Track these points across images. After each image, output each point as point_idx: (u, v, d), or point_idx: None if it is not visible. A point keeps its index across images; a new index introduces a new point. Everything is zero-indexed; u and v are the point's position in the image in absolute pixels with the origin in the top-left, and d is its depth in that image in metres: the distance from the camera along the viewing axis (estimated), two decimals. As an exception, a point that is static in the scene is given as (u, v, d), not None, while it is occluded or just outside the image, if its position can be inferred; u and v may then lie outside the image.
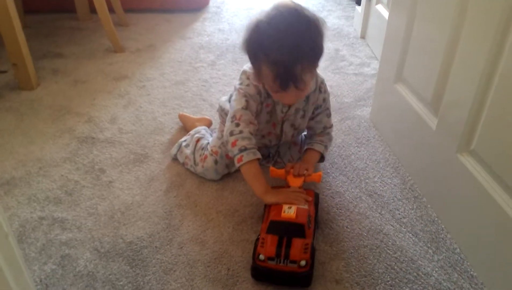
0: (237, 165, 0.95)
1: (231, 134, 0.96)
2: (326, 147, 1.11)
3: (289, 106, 1.04)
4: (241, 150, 0.94)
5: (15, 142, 1.30)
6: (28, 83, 1.58)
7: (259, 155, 0.95)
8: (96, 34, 2.09)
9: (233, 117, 0.97)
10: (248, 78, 1.01)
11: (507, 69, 0.76)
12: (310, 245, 0.85)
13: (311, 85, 1.00)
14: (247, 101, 0.98)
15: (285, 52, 0.86)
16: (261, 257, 0.84)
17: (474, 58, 0.84)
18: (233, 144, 0.95)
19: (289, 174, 1.01)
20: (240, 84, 1.01)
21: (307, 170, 1.01)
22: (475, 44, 0.84)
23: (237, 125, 0.96)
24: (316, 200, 0.99)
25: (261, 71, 0.92)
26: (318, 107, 1.09)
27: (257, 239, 0.87)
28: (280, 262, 0.83)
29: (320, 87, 1.06)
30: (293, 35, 0.86)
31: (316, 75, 1.04)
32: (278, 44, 0.86)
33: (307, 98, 1.05)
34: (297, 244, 0.84)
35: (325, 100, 1.09)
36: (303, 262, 0.82)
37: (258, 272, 0.85)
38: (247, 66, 1.03)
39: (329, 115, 1.12)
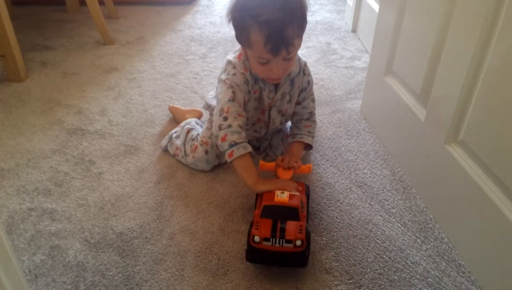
0: (228, 160, 0.94)
1: (220, 128, 0.95)
2: (313, 137, 1.12)
3: (276, 91, 1.04)
4: (231, 145, 0.93)
5: (3, 134, 1.29)
6: (17, 75, 1.56)
7: (250, 149, 0.95)
8: (85, 26, 2.07)
9: (221, 110, 0.96)
10: (234, 67, 1.00)
11: (494, 62, 0.77)
12: (304, 227, 0.84)
13: (295, 62, 1.00)
14: (233, 92, 0.97)
15: (276, 10, 0.86)
16: (256, 238, 0.83)
17: (462, 51, 0.85)
18: (223, 139, 0.94)
19: (278, 167, 1.01)
20: (226, 74, 1.00)
21: (296, 162, 1.00)
22: (463, 37, 0.85)
23: (225, 119, 0.95)
24: (307, 191, 0.99)
25: (250, 39, 0.91)
26: (303, 90, 1.08)
27: (251, 225, 0.86)
28: (275, 243, 0.82)
29: (304, 70, 1.06)
30: None
31: (298, 58, 1.04)
32: (268, 5, 0.86)
33: (292, 81, 1.04)
34: (292, 225, 0.84)
35: (310, 83, 1.09)
36: (298, 242, 0.82)
37: (254, 255, 0.84)
38: (231, 56, 1.03)
39: (313, 100, 1.13)
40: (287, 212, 0.86)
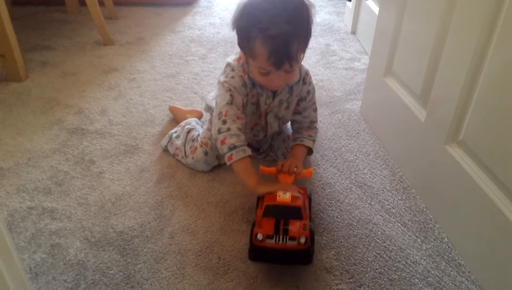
0: (227, 163, 0.94)
1: (219, 131, 0.94)
2: (314, 141, 1.11)
3: (273, 97, 1.04)
4: (230, 149, 0.92)
5: (3, 133, 1.29)
6: (16, 75, 1.56)
7: (249, 152, 0.94)
8: (85, 27, 2.07)
9: (220, 114, 0.96)
10: (232, 70, 1.00)
11: (493, 62, 0.78)
12: (308, 225, 0.83)
13: (297, 73, 1.00)
14: (231, 95, 0.97)
15: (283, 26, 0.85)
16: (259, 236, 0.80)
17: (461, 52, 0.85)
18: (222, 142, 0.93)
19: (279, 173, 1.00)
20: (225, 77, 1.00)
21: (296, 167, 0.99)
22: (463, 38, 0.85)
23: (224, 122, 0.94)
24: (309, 195, 0.98)
25: (253, 50, 0.90)
26: (303, 99, 1.08)
27: (253, 225, 0.85)
28: (279, 240, 0.80)
29: (304, 78, 1.05)
30: (289, 9, 0.87)
31: (301, 66, 1.03)
32: (276, 18, 0.86)
33: (291, 89, 1.04)
34: (295, 223, 0.82)
35: (310, 93, 1.08)
36: (302, 239, 0.80)
37: (257, 253, 0.82)
38: (231, 58, 1.03)
39: (315, 110, 1.12)
40: (290, 212, 0.84)
